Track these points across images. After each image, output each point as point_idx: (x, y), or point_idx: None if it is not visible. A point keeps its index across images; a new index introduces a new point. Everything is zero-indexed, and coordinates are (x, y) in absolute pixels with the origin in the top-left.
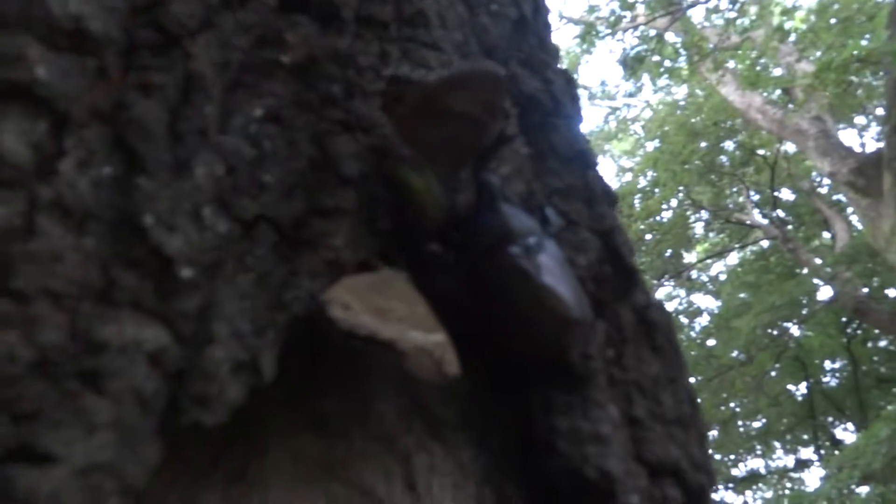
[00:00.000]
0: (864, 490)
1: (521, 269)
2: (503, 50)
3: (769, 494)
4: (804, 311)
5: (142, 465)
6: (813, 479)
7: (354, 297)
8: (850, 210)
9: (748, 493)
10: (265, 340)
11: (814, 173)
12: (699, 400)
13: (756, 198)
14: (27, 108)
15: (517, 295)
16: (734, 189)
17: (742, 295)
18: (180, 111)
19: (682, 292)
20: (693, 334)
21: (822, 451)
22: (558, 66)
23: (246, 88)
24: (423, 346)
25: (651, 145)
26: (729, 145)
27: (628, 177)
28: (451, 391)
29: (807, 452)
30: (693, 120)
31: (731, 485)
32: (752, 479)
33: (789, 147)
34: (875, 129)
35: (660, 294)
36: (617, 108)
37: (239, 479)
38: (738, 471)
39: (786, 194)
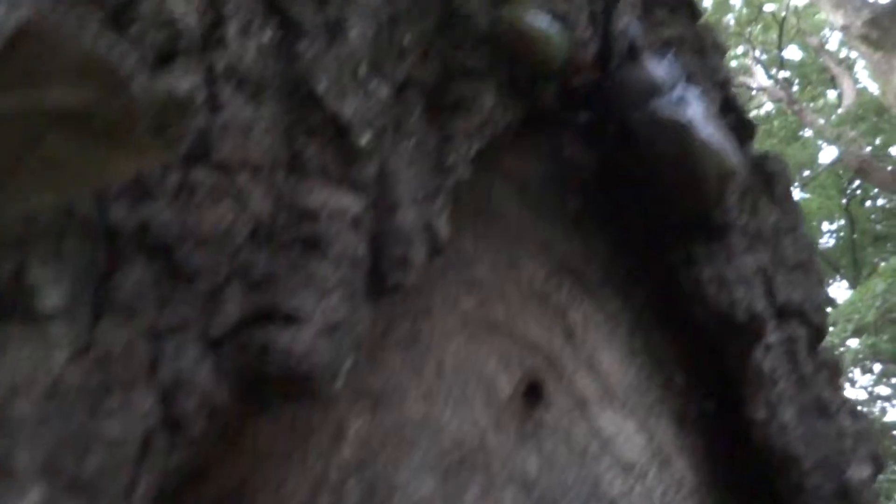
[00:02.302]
0: (854, 343)
1: (678, 122)
2: None
3: None
4: (806, 174)
5: (364, 323)
6: None
7: None
8: (859, 67)
9: None
10: (437, 204)
11: (824, 28)
12: None
13: (762, 58)
14: None
15: (676, 148)
16: (740, 50)
17: None
18: None
19: None
20: None
21: None
22: None
23: None
24: None
25: None
26: (736, 2)
27: None
28: (592, 250)
29: None
30: None
31: None
32: None
33: (799, 1)
34: None
35: None
36: None
37: (413, 343)
38: None
39: (793, 53)
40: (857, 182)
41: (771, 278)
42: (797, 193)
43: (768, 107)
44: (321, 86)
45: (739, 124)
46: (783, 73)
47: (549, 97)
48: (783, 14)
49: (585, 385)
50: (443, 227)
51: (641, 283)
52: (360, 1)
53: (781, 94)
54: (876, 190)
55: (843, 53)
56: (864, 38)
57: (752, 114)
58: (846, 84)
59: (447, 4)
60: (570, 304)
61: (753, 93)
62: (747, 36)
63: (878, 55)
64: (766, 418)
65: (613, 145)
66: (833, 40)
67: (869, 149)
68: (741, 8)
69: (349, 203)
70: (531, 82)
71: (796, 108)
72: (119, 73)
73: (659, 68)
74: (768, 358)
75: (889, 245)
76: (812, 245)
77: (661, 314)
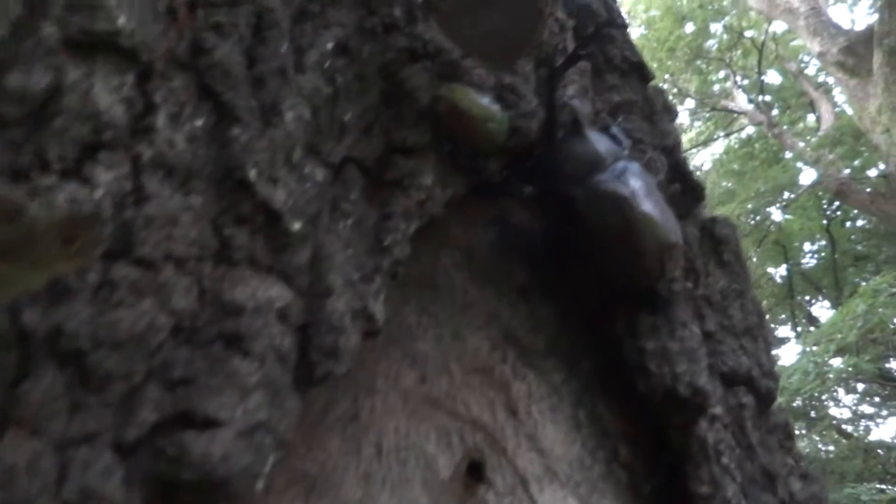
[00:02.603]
0: (837, 362)
1: (620, 196)
2: None
3: None
4: (788, 196)
5: (289, 419)
6: (790, 355)
7: None
8: (836, 91)
9: None
10: (374, 285)
11: (802, 54)
12: None
13: (743, 82)
14: (114, 62)
15: (617, 222)
16: (721, 75)
17: (726, 183)
18: (257, 51)
19: None
20: None
21: (800, 329)
22: None
23: (314, 18)
24: None
25: (637, 32)
26: (716, 30)
27: None
28: (538, 320)
29: (784, 331)
30: (679, 2)
31: None
32: None
33: (778, 27)
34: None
35: None
36: None
37: (352, 422)
38: None
39: (773, 78)
40: (837, 203)
41: (717, 347)
42: (778, 215)
43: (750, 130)
44: (252, 172)
45: (688, 188)
46: (763, 98)
47: (493, 170)
48: (762, 40)
49: (528, 462)
50: (379, 309)
51: (587, 354)
52: (298, 82)
53: (762, 117)
54: (856, 211)
55: (821, 78)
56: (840, 66)
57: (734, 136)
58: (824, 108)
59: (390, 79)
60: (514, 377)
61: (735, 116)
62: (728, 61)
63: (853, 82)
64: (709, 493)
65: (557, 218)
66: (811, 65)
67: (847, 171)
68: (721, 34)
69: (277, 294)
70: (474, 157)
71: (776, 131)
72: (11, 201)
73: (601, 142)
74: (712, 430)
75: (870, 265)
76: (761, 309)
77: (606, 386)
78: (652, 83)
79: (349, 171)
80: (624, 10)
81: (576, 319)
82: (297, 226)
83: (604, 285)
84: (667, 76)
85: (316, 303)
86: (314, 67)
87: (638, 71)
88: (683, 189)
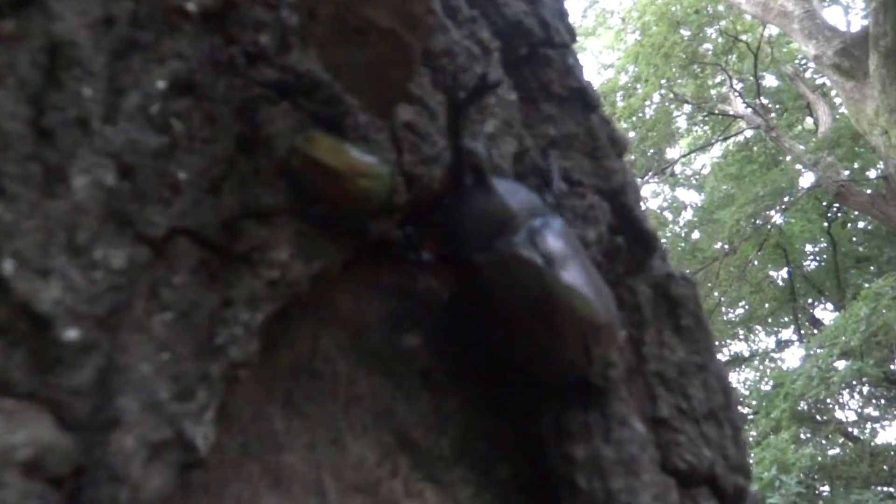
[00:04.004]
0: (841, 364)
1: (531, 264)
2: None
3: (752, 375)
4: (787, 199)
5: None
6: (793, 359)
7: None
8: (833, 93)
9: (732, 375)
10: (193, 405)
11: (798, 56)
12: None
13: (739, 86)
14: None
15: (528, 298)
16: (717, 79)
17: (725, 187)
18: (46, 98)
19: (666, 189)
20: (678, 229)
21: (802, 332)
22: None
23: (142, 51)
24: None
25: (632, 38)
26: (711, 33)
27: (609, 73)
28: (443, 416)
29: (787, 334)
30: (674, 8)
31: None
32: (736, 362)
33: (773, 30)
34: (861, 3)
35: (644, 191)
36: (595, 0)
37: None
38: (722, 356)
39: (769, 81)
40: (838, 205)
41: (673, 437)
42: (778, 218)
43: (748, 133)
44: (7, 264)
45: (637, 238)
46: (760, 101)
47: (381, 232)
48: (757, 44)
49: None
50: (203, 433)
51: (505, 460)
52: (105, 136)
53: (759, 121)
54: (857, 212)
55: (818, 80)
56: (836, 68)
57: (732, 140)
58: (821, 110)
59: (249, 123)
60: (405, 495)
61: (732, 120)
62: (724, 65)
63: (850, 84)
64: None
65: (462, 290)
66: (808, 67)
67: (847, 173)
68: (717, 38)
69: (28, 436)
70: (353, 220)
71: (774, 134)
72: None
73: (514, 193)
74: None
75: (872, 267)
76: (727, 384)
77: (528, 501)
78: (597, 112)
79: (178, 245)
80: (618, 18)
81: (492, 414)
82: (73, 334)
83: (526, 372)
84: (663, 81)
85: (95, 440)
86: (134, 114)
87: (580, 98)
88: (630, 241)
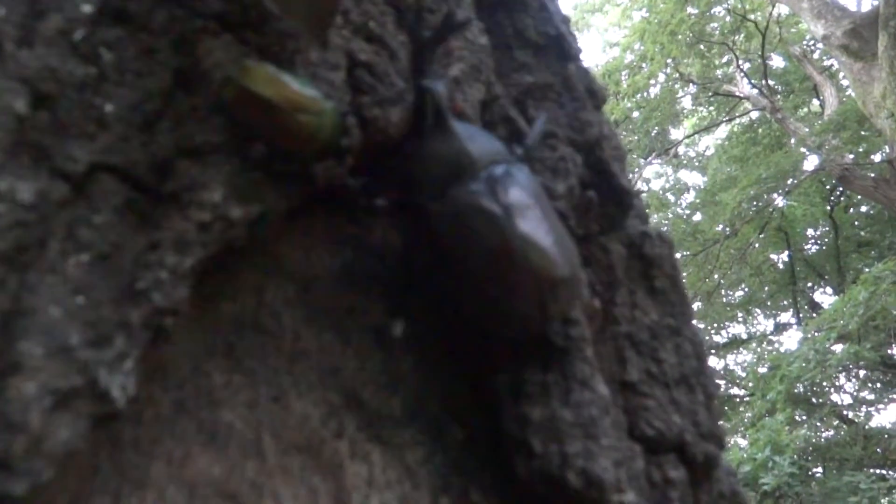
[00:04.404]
0: (838, 348)
1: (487, 213)
2: None
3: (749, 358)
4: (790, 182)
5: None
6: (791, 342)
7: None
8: (841, 76)
9: (729, 357)
10: (109, 352)
11: (807, 37)
12: (684, 275)
13: (746, 66)
14: None
15: (482, 248)
16: (724, 59)
17: (729, 169)
18: None
19: (669, 170)
20: (679, 210)
21: (801, 315)
22: None
23: None
24: None
25: (638, 16)
26: (720, 11)
27: (615, 52)
28: (395, 376)
29: (786, 317)
30: None
31: (713, 351)
32: (734, 344)
33: (782, 10)
34: None
35: (647, 172)
36: None
37: None
38: (721, 337)
39: (776, 61)
40: (841, 189)
41: (642, 402)
42: (780, 201)
43: (753, 115)
44: None
45: (612, 194)
46: (767, 82)
47: (327, 177)
48: (766, 23)
49: None
50: (120, 383)
51: (459, 422)
52: (18, 60)
53: (764, 101)
54: (860, 196)
55: (826, 61)
56: (845, 49)
57: (737, 121)
58: (828, 92)
59: (189, 56)
60: (350, 456)
61: (738, 101)
62: (731, 45)
63: (858, 65)
64: None
65: (416, 241)
66: (816, 48)
67: (852, 157)
68: (724, 17)
69: None
70: (298, 161)
71: (779, 115)
72: None
73: (476, 138)
74: None
75: (873, 251)
76: (701, 350)
77: (485, 463)
78: (575, 62)
79: (101, 182)
80: None
81: (448, 374)
82: None
83: (483, 329)
84: (669, 60)
85: None
86: (53, 39)
87: (557, 47)
88: (603, 196)
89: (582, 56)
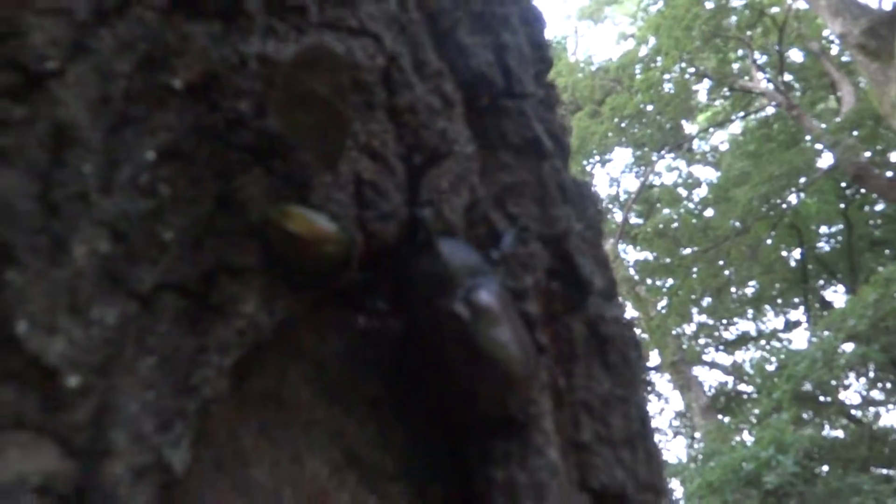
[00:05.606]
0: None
1: (463, 321)
2: (450, 12)
3: (758, 355)
4: (803, 180)
5: None
6: (801, 340)
7: None
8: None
9: (738, 353)
10: (172, 435)
11: (825, 31)
12: (694, 271)
13: (762, 60)
14: None
15: (456, 351)
16: (740, 54)
17: (742, 165)
18: (53, 176)
19: (683, 164)
20: (691, 205)
21: (812, 314)
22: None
23: (135, 125)
24: None
25: (654, 8)
26: (737, 5)
27: (630, 43)
28: (387, 438)
29: (796, 315)
30: None
31: (721, 347)
32: (742, 340)
33: (801, 4)
34: None
35: (659, 166)
36: None
37: None
38: (730, 334)
39: (794, 57)
40: (856, 187)
41: (591, 460)
42: (793, 198)
43: (769, 110)
44: (21, 325)
45: (575, 281)
46: (783, 78)
47: (343, 282)
48: (784, 18)
49: None
50: (179, 458)
51: (440, 480)
52: (102, 207)
53: (780, 97)
54: (875, 195)
55: (844, 58)
56: (862, 48)
57: (752, 117)
58: (845, 89)
59: (227, 184)
60: (352, 503)
61: (753, 96)
62: (747, 40)
63: (874, 65)
64: None
65: (408, 339)
66: (835, 44)
67: (867, 155)
68: (742, 10)
69: (35, 466)
70: (317, 276)
71: (795, 112)
72: None
73: (456, 254)
74: None
75: (887, 250)
76: (646, 415)
77: None
78: (549, 161)
79: (162, 298)
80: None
81: (432, 439)
82: (74, 381)
83: (458, 408)
84: (684, 55)
85: (92, 466)
86: (125, 185)
87: (534, 147)
88: (566, 285)
89: (557, 152)
